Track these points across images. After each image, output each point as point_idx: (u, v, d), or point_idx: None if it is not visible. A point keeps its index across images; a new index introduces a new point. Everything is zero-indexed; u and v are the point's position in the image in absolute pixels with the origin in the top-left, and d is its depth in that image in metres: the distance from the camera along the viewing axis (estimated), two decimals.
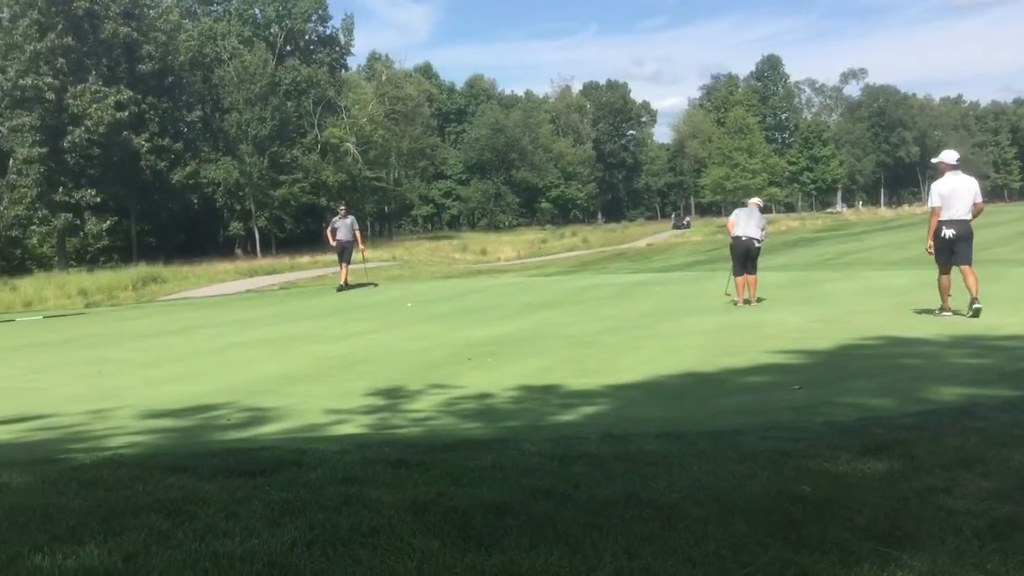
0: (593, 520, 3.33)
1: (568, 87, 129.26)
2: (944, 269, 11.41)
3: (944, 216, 11.26)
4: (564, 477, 4.02)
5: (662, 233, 77.08)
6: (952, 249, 11.26)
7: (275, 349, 12.16)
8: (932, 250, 11.48)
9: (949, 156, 11.54)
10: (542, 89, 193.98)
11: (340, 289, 23.10)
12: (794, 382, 7.46)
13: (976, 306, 10.91)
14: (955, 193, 11.24)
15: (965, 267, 11.20)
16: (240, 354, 11.79)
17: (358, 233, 23.33)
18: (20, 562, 3.00)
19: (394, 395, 7.84)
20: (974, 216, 11.35)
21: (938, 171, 11.60)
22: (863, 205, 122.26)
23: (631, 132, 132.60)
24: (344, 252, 23.20)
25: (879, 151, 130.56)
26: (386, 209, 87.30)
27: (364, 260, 26.04)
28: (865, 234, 47.93)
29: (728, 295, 14.52)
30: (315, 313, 17.95)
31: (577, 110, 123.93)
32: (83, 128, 49.67)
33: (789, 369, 8.29)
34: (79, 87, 50.31)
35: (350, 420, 6.66)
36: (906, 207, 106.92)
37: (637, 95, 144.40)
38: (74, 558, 3.01)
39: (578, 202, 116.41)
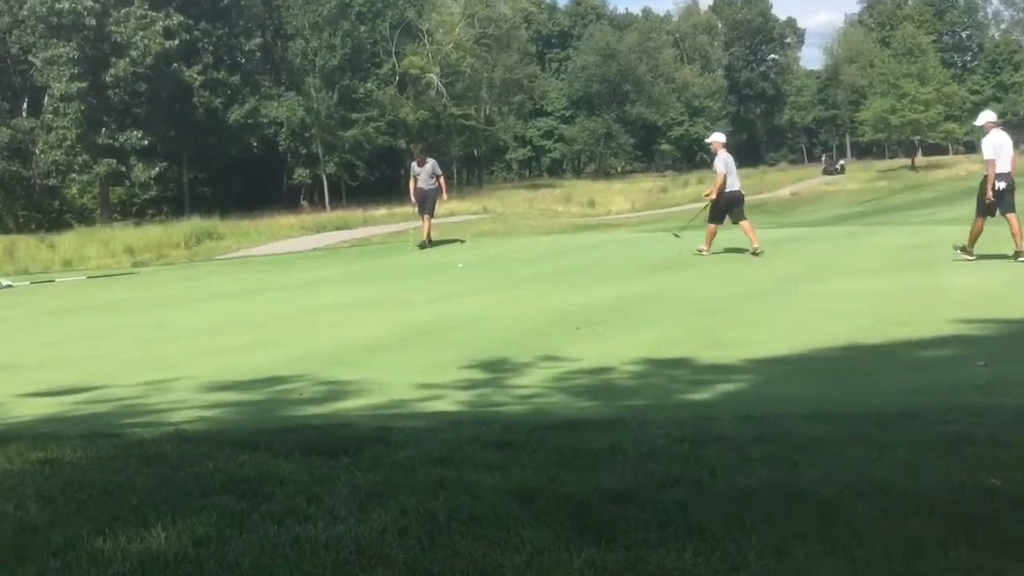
0: (733, 512, 3.35)
1: (695, 3, 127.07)
2: (984, 216, 13.65)
3: (996, 169, 13.56)
4: (696, 462, 4.04)
5: (809, 180, 75.53)
6: (1003, 199, 13.55)
7: (351, 315, 12.42)
8: (991, 199, 13.54)
9: (990, 115, 14.37)
10: (663, 6, 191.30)
11: (423, 246, 23.13)
12: (978, 357, 7.32)
13: (1022, 258, 13.02)
14: (1004, 146, 13.77)
15: (1012, 215, 13.45)
16: (311, 320, 12.08)
17: (441, 180, 22.88)
18: (79, 544, 3.14)
19: (491, 368, 7.96)
20: (1013, 169, 13.80)
21: (983, 131, 14.16)
22: None
23: (772, 56, 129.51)
24: (425, 202, 22.62)
25: None
26: (476, 153, 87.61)
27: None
28: None
29: None
30: (395, 274, 18.24)
31: (706, 31, 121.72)
32: (127, 59, 50.99)
33: (971, 341, 8.13)
34: (123, 11, 51.66)
35: (442, 396, 6.79)
36: None
37: (780, 11, 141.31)
38: (139, 541, 3.16)
39: (706, 143, 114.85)
